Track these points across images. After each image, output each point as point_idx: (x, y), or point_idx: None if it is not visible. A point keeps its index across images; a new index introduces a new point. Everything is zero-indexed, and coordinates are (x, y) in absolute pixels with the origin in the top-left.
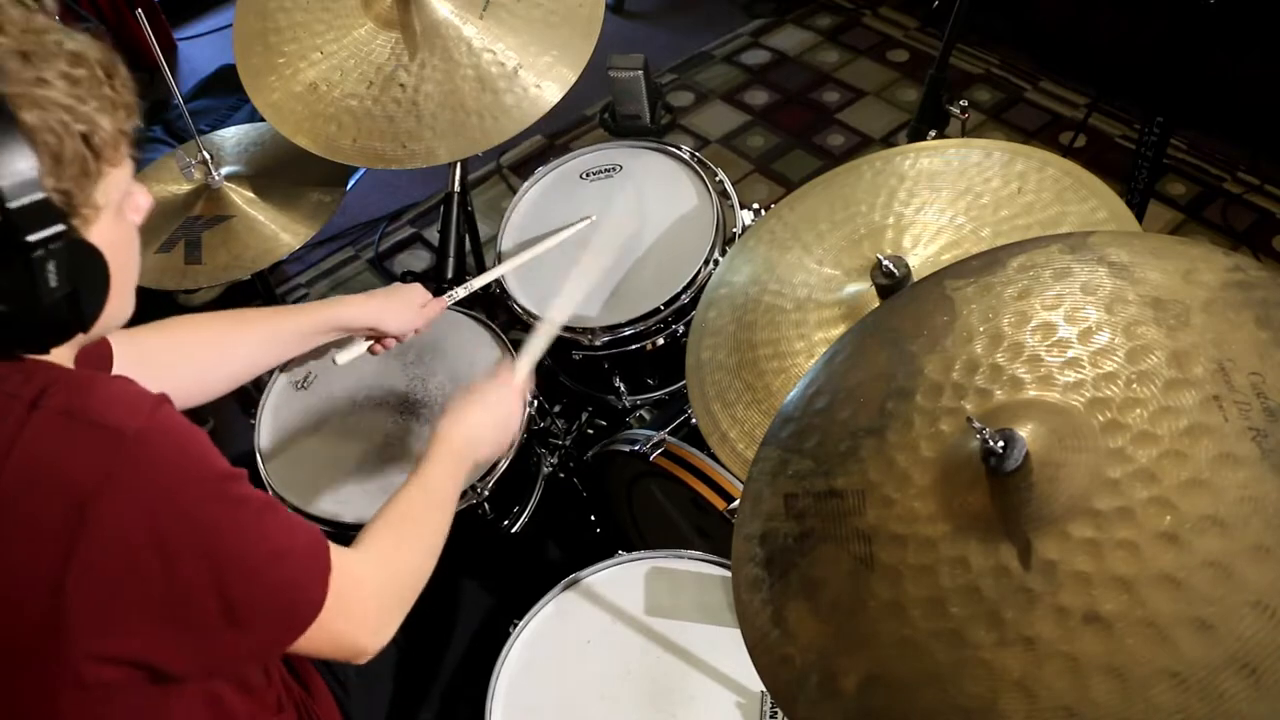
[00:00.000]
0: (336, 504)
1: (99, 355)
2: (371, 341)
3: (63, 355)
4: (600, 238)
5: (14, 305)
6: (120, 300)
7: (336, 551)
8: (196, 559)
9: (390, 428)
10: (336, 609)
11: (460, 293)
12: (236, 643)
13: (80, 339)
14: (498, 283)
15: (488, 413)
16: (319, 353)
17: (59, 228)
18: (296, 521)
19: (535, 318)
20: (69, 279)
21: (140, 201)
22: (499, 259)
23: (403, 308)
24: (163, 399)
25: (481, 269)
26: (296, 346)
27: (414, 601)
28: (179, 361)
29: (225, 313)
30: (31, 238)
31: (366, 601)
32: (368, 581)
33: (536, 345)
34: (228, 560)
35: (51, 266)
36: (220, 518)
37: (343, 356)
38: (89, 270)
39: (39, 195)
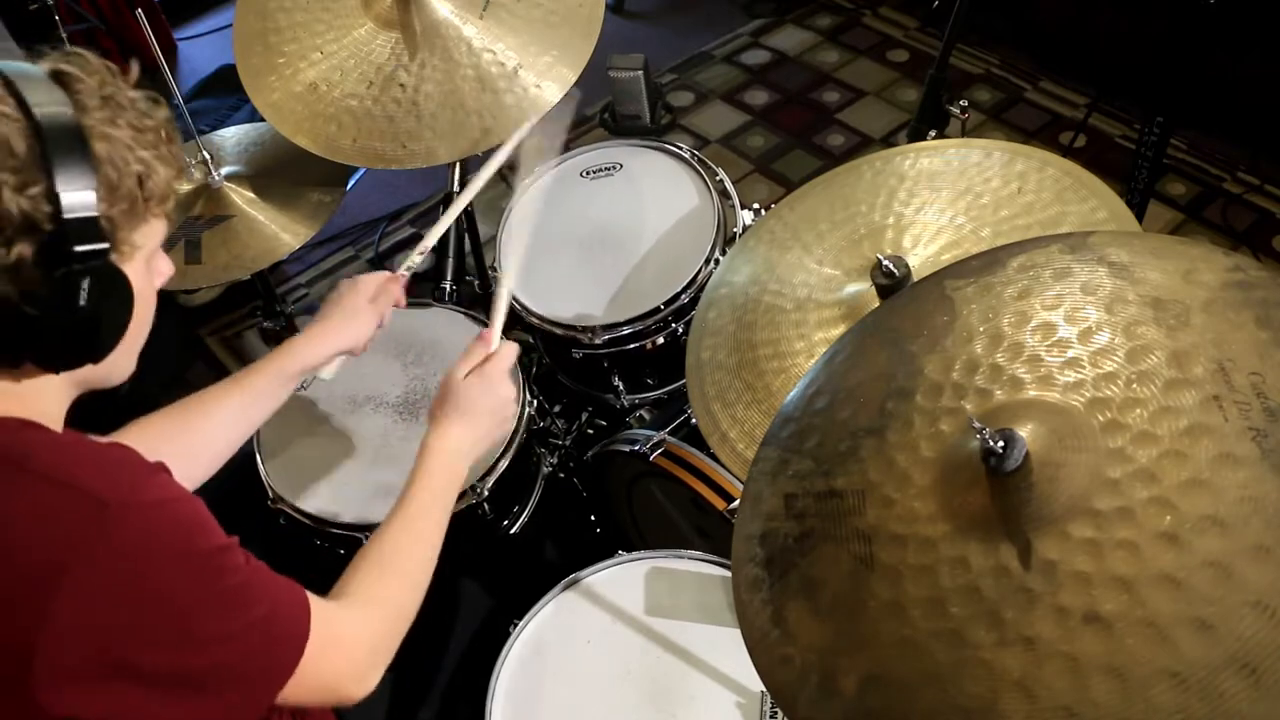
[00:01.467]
0: (336, 504)
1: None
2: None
3: (57, 399)
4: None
5: (42, 311)
6: (129, 351)
7: (318, 607)
8: (168, 637)
9: (390, 428)
10: (316, 666)
11: (416, 258)
12: (208, 708)
13: (76, 379)
14: (498, 283)
15: (472, 410)
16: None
17: (103, 246)
18: (280, 582)
19: (495, 273)
20: (98, 301)
21: (163, 267)
22: (499, 267)
23: (353, 319)
24: (158, 468)
25: (482, 269)
26: (271, 401)
27: (403, 635)
28: (163, 451)
29: (186, 400)
30: (78, 249)
31: (349, 654)
32: (349, 636)
33: (500, 308)
34: (200, 639)
35: (86, 284)
36: (197, 598)
37: (326, 373)
38: (117, 297)
39: (93, 213)
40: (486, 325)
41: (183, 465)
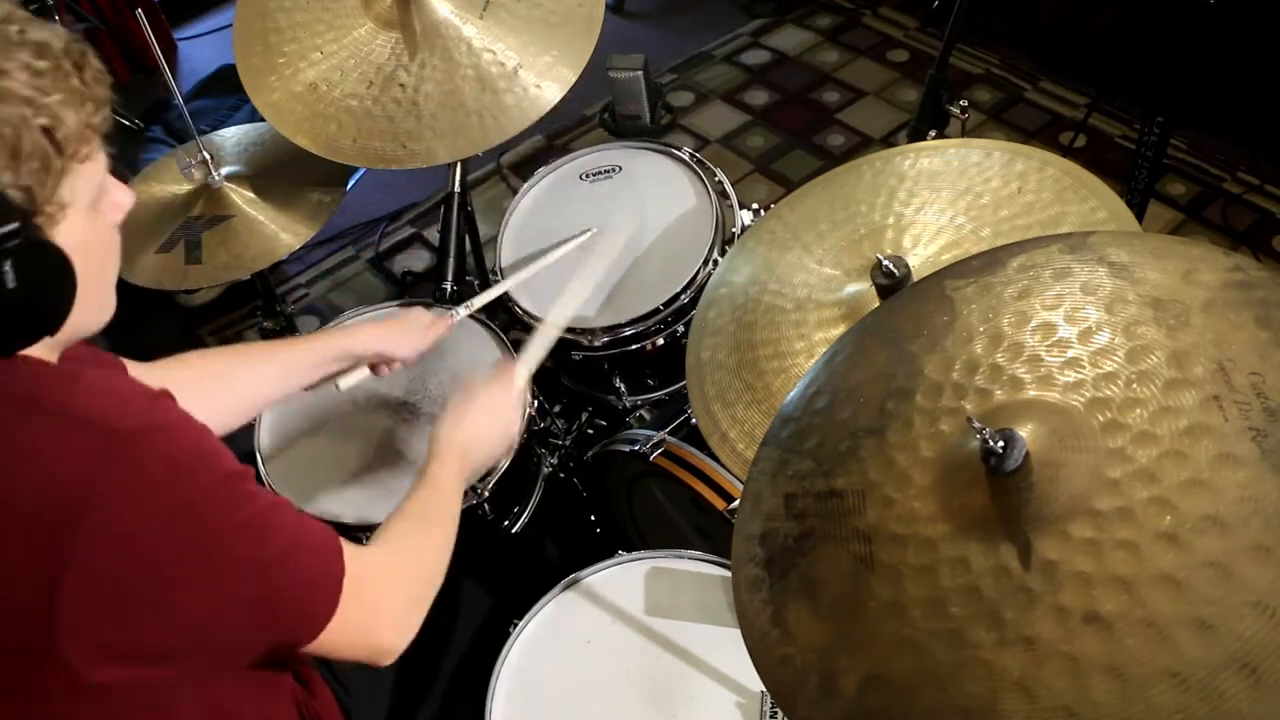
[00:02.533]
0: (336, 504)
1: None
2: (371, 366)
3: (42, 354)
4: (602, 244)
5: None
6: (98, 302)
7: (351, 549)
8: (200, 561)
9: (390, 427)
10: (355, 606)
11: (463, 312)
12: (248, 642)
13: (52, 342)
14: (498, 281)
15: (487, 417)
16: (325, 378)
17: (13, 225)
18: (306, 520)
19: (535, 319)
20: (28, 280)
21: (120, 199)
22: (500, 273)
23: (409, 333)
24: (162, 394)
25: (482, 269)
26: (309, 375)
27: (431, 601)
28: (208, 390)
29: (238, 346)
30: None
31: (385, 597)
32: (386, 578)
33: (536, 350)
34: (233, 561)
35: (8, 266)
36: (223, 517)
37: (345, 381)
38: (51, 271)
39: None
40: (486, 325)
41: (217, 411)
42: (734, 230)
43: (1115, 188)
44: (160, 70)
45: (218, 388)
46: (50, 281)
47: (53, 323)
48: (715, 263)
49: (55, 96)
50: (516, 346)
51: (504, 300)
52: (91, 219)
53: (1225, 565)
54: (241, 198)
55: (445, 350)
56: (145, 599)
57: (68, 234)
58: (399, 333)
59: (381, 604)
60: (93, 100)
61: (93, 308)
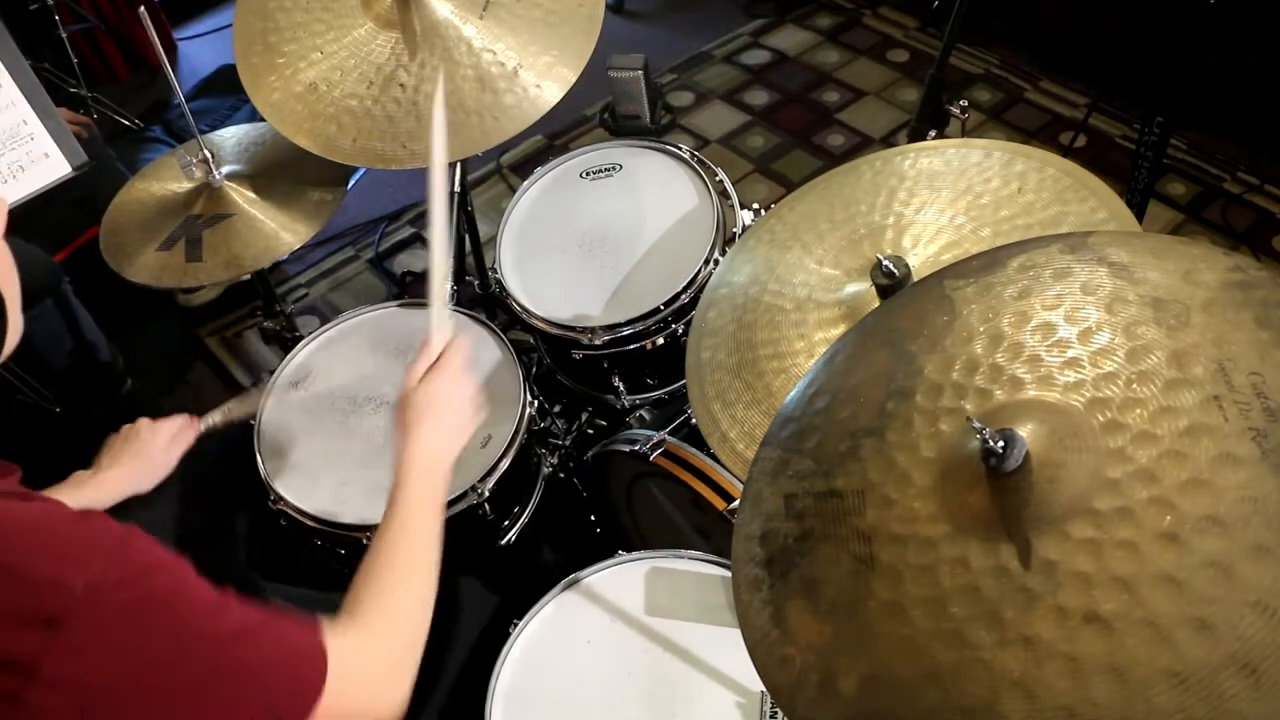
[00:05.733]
0: (336, 504)
1: None
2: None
3: None
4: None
5: None
6: (13, 322)
7: (333, 644)
8: (174, 711)
9: (390, 428)
10: (340, 701)
11: (216, 417)
12: None
13: None
14: (498, 282)
15: (437, 418)
16: None
17: None
18: (286, 633)
19: (520, 308)
20: None
21: None
22: (500, 272)
23: (148, 462)
24: (130, 533)
25: (482, 269)
26: None
27: (422, 646)
28: None
29: None
30: None
31: (372, 681)
32: (369, 663)
33: (439, 311)
34: (208, 703)
35: None
36: (196, 670)
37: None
38: None
39: None
40: (486, 325)
41: None
42: (735, 230)
43: (1115, 188)
44: (160, 70)
45: None
46: None
47: None
48: (716, 262)
49: None
50: (516, 346)
51: (503, 299)
52: None
53: (1225, 565)
54: (242, 197)
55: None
56: None
57: None
58: (134, 473)
59: (368, 687)
60: None
61: (14, 331)
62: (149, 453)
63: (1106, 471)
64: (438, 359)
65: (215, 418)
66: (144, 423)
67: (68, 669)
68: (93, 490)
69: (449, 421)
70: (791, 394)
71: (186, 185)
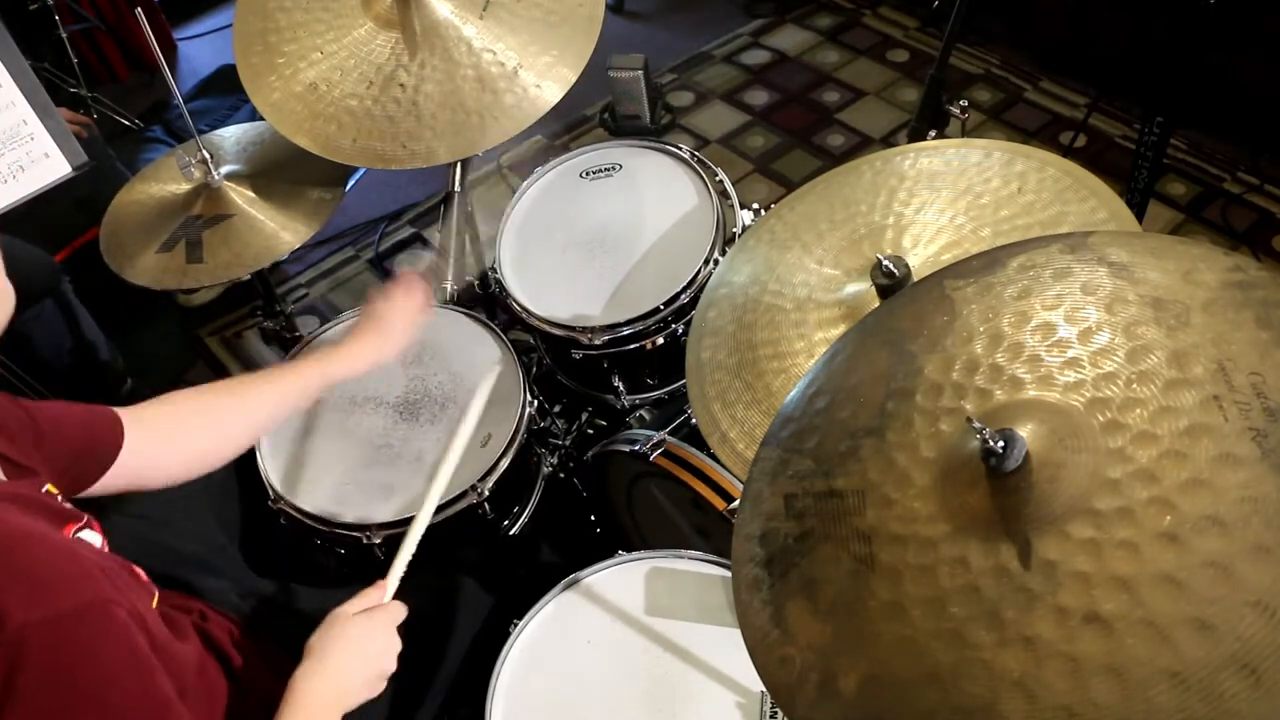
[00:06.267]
0: (336, 504)
1: (100, 441)
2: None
3: None
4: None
5: None
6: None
7: None
8: None
9: (390, 428)
10: None
11: (449, 288)
12: None
13: None
14: (498, 281)
15: (357, 660)
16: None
17: None
18: None
19: (520, 307)
20: None
21: None
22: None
23: (389, 333)
24: (106, 603)
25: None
26: (297, 405)
27: None
28: (186, 427)
29: (220, 384)
30: None
31: None
32: None
33: (403, 559)
34: None
35: None
36: None
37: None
38: None
39: None
40: (486, 325)
41: (210, 443)
42: (735, 230)
43: (1115, 188)
44: (160, 70)
45: (203, 421)
46: None
47: None
48: (716, 262)
49: None
50: (516, 346)
51: (504, 299)
52: None
53: (1225, 565)
54: (241, 197)
55: (445, 350)
56: None
57: None
58: (384, 340)
59: None
60: None
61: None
62: (387, 318)
63: (1106, 471)
64: (382, 606)
65: (449, 285)
66: (389, 291)
67: None
68: (346, 357)
69: (366, 672)
70: (791, 394)
71: (186, 186)
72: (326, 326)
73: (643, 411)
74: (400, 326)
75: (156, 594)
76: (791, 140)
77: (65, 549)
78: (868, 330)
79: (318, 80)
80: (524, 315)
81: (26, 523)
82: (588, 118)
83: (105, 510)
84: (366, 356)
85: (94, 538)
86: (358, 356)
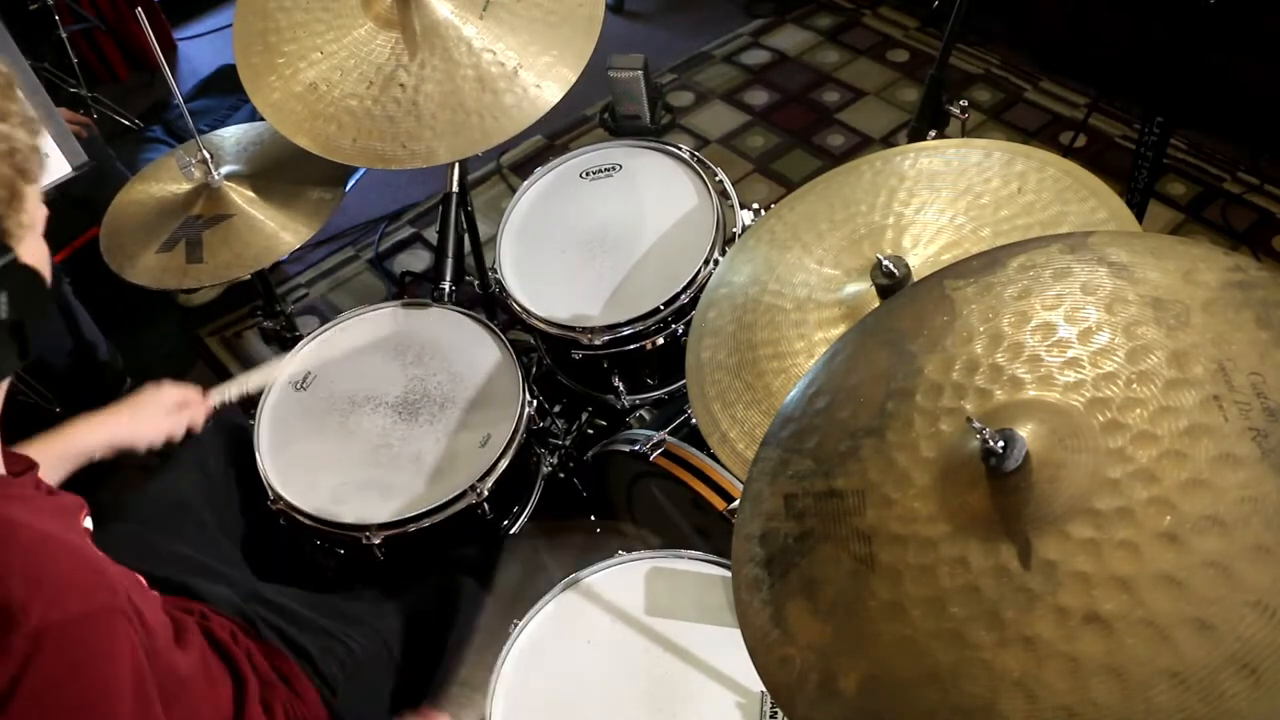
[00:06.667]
0: (336, 504)
1: None
2: None
3: None
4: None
5: None
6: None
7: None
8: None
9: (390, 427)
10: None
11: (231, 390)
12: None
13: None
14: (498, 281)
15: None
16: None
17: (10, 257)
18: None
19: (520, 307)
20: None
21: (42, 212)
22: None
23: (143, 418)
24: (111, 610)
25: (481, 269)
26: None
27: None
28: None
29: None
30: None
31: None
32: None
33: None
34: None
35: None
36: None
37: None
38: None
39: None
40: (486, 325)
41: None
42: (735, 230)
43: (1115, 188)
44: (160, 70)
45: None
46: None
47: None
48: (716, 262)
49: (9, 123)
50: (515, 346)
51: (503, 299)
52: (38, 238)
53: (1225, 565)
54: (241, 197)
55: (445, 350)
56: None
57: (28, 256)
58: (128, 423)
59: None
60: (29, 120)
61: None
62: (150, 408)
63: (1106, 471)
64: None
65: (230, 390)
66: (164, 382)
67: None
68: (84, 431)
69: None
70: (791, 394)
71: (186, 186)
72: (326, 326)
73: (643, 411)
74: (150, 419)
75: (159, 600)
76: (791, 140)
77: (83, 554)
78: (868, 330)
79: (318, 80)
80: (524, 315)
81: (46, 523)
82: (588, 118)
83: (104, 517)
84: (118, 433)
85: (89, 522)
86: (109, 430)
